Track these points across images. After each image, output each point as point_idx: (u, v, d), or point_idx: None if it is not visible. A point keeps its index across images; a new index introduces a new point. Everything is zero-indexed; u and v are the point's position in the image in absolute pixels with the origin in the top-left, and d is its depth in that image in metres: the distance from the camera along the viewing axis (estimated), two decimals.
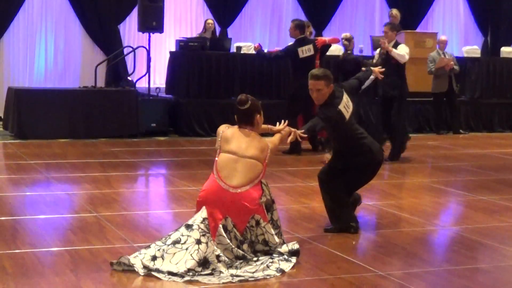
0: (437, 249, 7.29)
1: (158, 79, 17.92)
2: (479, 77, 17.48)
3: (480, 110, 17.25)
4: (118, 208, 8.28)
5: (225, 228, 6.04)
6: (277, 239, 6.23)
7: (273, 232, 6.23)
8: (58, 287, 5.48)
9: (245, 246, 6.11)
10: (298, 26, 12.72)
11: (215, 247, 5.94)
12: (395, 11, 18.50)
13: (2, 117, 14.86)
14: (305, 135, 6.78)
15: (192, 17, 18.98)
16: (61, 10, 16.95)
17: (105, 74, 16.70)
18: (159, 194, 9.91)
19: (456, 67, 16.07)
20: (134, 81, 15.67)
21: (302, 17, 18.93)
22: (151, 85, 15.47)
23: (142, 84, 15.64)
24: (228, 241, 6.01)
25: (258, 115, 6.43)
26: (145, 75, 15.36)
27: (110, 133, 14.04)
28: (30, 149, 12.34)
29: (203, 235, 5.97)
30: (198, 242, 5.92)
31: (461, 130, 16.49)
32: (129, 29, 17.86)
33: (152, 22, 14.98)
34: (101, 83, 16.15)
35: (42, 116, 13.67)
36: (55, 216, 7.85)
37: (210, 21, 17.23)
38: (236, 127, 6.44)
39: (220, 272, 5.80)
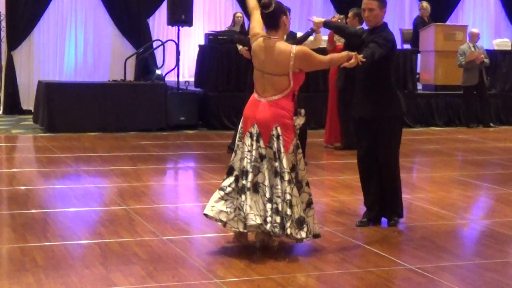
0: (467, 243, 7.25)
1: (187, 73, 17.96)
2: (510, 70, 17.34)
3: (510, 103, 17.09)
4: (148, 201, 8.31)
5: (251, 135, 6.25)
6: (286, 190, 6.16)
7: (285, 169, 6.18)
8: (88, 280, 5.51)
9: (265, 162, 6.19)
10: (357, 15, 11.87)
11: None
12: (425, 4, 18.45)
13: (33, 110, 14.95)
14: (365, 61, 6.50)
15: (221, 11, 19.01)
16: (91, 3, 17.02)
17: (135, 67, 16.76)
18: (188, 187, 9.94)
19: (486, 60, 15.94)
20: (163, 74, 15.70)
21: (331, 9, 18.92)
22: (180, 79, 15.48)
23: (171, 78, 15.67)
24: (246, 149, 6.23)
25: (284, 17, 6.37)
26: (174, 68, 15.39)
27: (139, 126, 14.08)
28: (60, 142, 12.42)
29: (237, 145, 6.36)
30: (235, 152, 6.38)
31: (491, 124, 16.37)
32: (159, 23, 17.90)
33: (181, 15, 14.99)
34: (130, 76, 16.20)
35: (71, 109, 13.75)
36: (85, 209, 7.89)
37: (239, 14, 17.24)
38: (261, 38, 6.39)
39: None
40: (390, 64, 7.09)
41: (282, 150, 6.20)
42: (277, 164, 6.20)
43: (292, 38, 10.03)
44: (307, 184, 6.45)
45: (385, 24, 7.09)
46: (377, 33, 6.97)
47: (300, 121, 6.35)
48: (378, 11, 6.97)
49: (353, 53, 6.42)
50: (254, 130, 6.26)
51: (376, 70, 6.95)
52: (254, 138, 6.25)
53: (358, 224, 7.27)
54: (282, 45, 6.32)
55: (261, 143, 6.22)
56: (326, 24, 7.39)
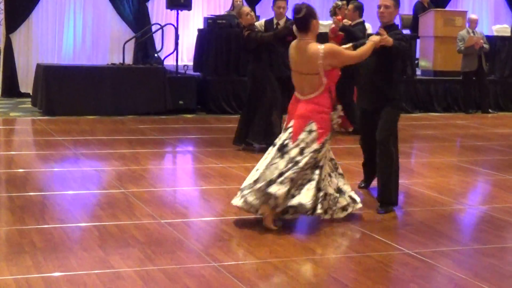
0: (465, 228, 7.26)
1: (186, 57, 17.92)
2: (509, 56, 17.32)
3: (509, 89, 17.09)
4: (146, 184, 8.31)
5: (286, 129, 6.73)
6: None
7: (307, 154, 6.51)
8: (86, 262, 5.51)
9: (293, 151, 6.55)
10: (358, 8, 12.00)
11: None
12: None
13: (31, 93, 14.93)
14: (393, 45, 6.96)
15: None
16: None
17: (133, 51, 16.72)
18: (187, 171, 9.94)
19: (486, 46, 15.93)
20: (162, 58, 15.67)
21: None
22: (179, 63, 15.47)
23: (170, 62, 15.63)
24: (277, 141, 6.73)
25: (314, 20, 6.69)
26: (173, 52, 15.36)
27: (138, 110, 14.07)
28: (59, 125, 12.40)
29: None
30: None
31: (490, 109, 16.37)
32: (158, 6, 17.86)
33: None
34: (129, 60, 16.17)
35: (70, 93, 13.73)
36: (84, 192, 7.90)
37: None
38: (295, 41, 6.83)
39: None
40: (399, 61, 7.37)
41: (307, 145, 6.56)
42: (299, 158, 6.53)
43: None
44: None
45: (397, 25, 7.45)
46: (394, 31, 7.25)
47: (336, 116, 6.72)
48: (393, 9, 7.28)
49: (377, 40, 6.90)
50: (290, 125, 6.71)
51: (386, 64, 7.23)
52: (287, 132, 6.69)
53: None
54: (312, 46, 6.67)
55: (290, 139, 6.63)
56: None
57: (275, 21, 10.73)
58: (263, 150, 7.57)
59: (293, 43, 6.84)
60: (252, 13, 10.42)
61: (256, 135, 10.33)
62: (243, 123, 10.52)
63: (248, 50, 10.41)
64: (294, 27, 6.85)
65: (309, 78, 6.67)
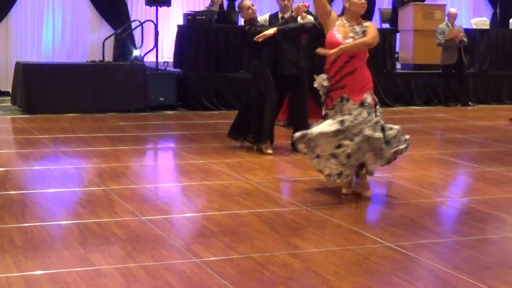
0: (446, 220, 7.28)
1: (166, 53, 17.90)
2: (488, 49, 17.40)
3: (489, 82, 17.18)
4: (127, 181, 8.30)
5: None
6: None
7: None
8: (67, 260, 5.49)
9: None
10: None
11: None
12: None
13: (10, 92, 14.87)
14: None
15: None
16: None
17: (113, 48, 16.68)
18: (168, 167, 9.93)
19: (465, 39, 16.00)
20: (142, 55, 15.64)
21: None
22: (159, 59, 15.45)
23: (150, 58, 15.62)
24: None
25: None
26: (152, 49, 15.34)
27: (118, 107, 14.04)
28: (38, 123, 12.36)
29: None
30: None
31: (470, 102, 16.45)
32: (137, 3, 17.84)
33: None
34: (109, 57, 16.14)
35: (50, 90, 13.69)
36: (64, 190, 7.87)
37: None
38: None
39: None
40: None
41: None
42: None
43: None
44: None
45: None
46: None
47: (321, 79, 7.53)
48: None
49: None
50: None
51: None
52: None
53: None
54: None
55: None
56: None
57: (280, 15, 10.24)
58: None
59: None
60: (254, 7, 10.11)
61: (254, 136, 10.14)
62: (238, 118, 10.36)
63: (249, 45, 10.13)
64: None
65: None
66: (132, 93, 14.19)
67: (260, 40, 9.43)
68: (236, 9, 17.56)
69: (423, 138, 11.87)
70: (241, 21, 15.74)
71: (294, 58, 9.93)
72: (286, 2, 10.11)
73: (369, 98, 7.35)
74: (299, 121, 9.93)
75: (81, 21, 17.08)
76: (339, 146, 7.23)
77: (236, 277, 5.19)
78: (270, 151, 9.96)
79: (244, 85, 14.71)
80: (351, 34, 7.38)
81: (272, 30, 9.54)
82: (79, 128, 12.01)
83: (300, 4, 9.73)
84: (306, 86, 9.92)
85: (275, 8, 10.76)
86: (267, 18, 10.33)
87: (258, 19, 10.25)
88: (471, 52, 17.05)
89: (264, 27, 9.88)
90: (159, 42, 15.55)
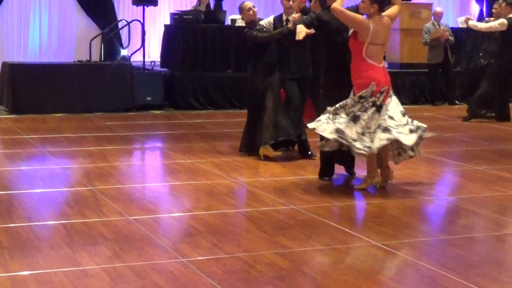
0: (432, 219, 7.31)
1: (153, 53, 17.88)
2: (475, 48, 17.42)
3: (475, 81, 17.16)
4: (114, 181, 8.29)
5: (381, 93, 8.18)
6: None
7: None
8: (53, 260, 5.49)
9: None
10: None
11: None
12: None
13: None
14: None
15: None
16: None
17: (100, 48, 16.65)
18: (155, 167, 9.92)
19: (451, 38, 16.04)
20: (129, 55, 15.62)
21: None
22: (146, 59, 15.44)
23: (137, 58, 15.60)
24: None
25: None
26: (139, 48, 15.32)
27: (106, 107, 14.02)
28: (25, 123, 12.33)
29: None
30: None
31: (456, 101, 16.49)
32: (124, 3, 17.81)
33: None
34: (96, 57, 16.11)
35: (37, 90, 13.65)
36: (51, 190, 7.86)
37: None
38: (378, 18, 8.50)
39: None
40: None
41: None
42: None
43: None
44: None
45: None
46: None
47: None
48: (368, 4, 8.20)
49: None
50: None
51: None
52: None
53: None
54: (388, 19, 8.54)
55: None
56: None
57: (284, 17, 9.80)
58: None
59: (377, 20, 8.25)
60: (255, 9, 9.73)
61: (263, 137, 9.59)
62: (246, 129, 9.90)
63: (248, 48, 9.71)
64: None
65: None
66: (119, 93, 14.17)
67: (301, 39, 8.31)
68: (223, 8, 17.67)
69: None
70: (228, 21, 15.83)
71: (303, 60, 9.68)
72: (290, 3, 9.66)
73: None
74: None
75: (67, 21, 17.05)
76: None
77: (223, 277, 5.20)
78: (269, 153, 9.52)
79: (231, 84, 14.74)
80: None
81: (305, 29, 8.28)
82: (66, 128, 11.99)
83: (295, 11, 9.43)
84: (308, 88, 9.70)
85: (276, 9, 10.60)
86: (271, 20, 9.95)
87: (262, 21, 9.96)
88: (458, 51, 17.08)
89: (260, 32, 9.50)
90: (146, 42, 15.53)
